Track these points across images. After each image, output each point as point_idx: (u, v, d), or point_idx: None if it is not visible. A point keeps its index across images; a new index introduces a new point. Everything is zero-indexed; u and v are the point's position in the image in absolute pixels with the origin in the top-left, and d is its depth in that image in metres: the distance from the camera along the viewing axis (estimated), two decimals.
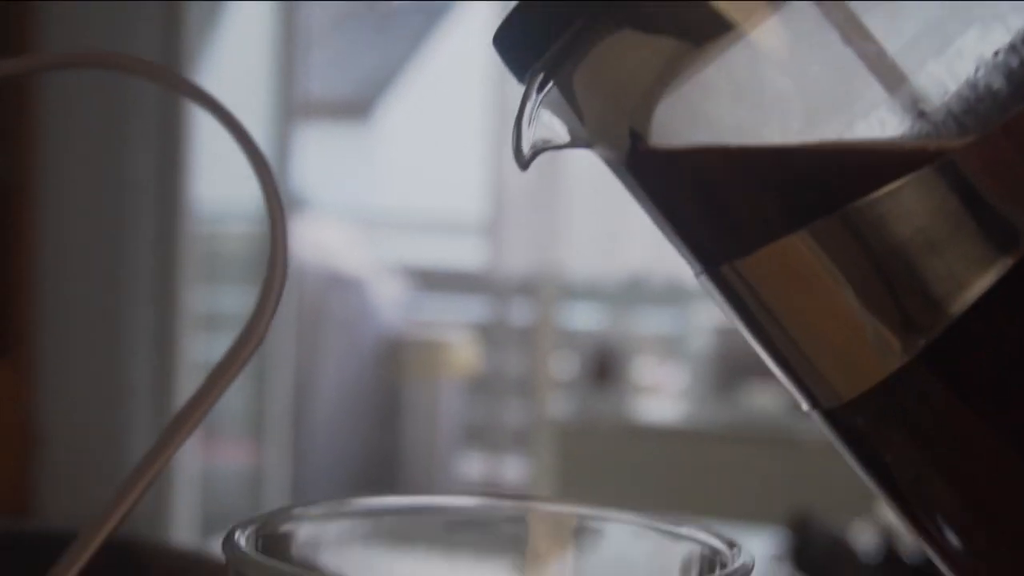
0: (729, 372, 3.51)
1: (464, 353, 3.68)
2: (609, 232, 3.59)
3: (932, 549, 0.35)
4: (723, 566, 0.32)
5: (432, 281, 3.95)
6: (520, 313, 3.60)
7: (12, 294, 2.47)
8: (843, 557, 1.86)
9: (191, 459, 2.66)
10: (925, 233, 0.32)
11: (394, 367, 3.62)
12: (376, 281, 3.63)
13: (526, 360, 3.59)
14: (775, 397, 3.42)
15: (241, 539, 0.31)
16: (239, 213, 2.93)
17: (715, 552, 0.33)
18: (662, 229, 0.36)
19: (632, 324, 3.78)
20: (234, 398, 3.07)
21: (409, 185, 4.33)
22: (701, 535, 0.34)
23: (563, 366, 3.65)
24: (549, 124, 0.35)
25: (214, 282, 2.82)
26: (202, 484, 2.70)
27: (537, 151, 0.35)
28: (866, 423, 0.34)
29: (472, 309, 3.82)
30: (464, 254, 3.88)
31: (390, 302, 3.66)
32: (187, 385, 2.66)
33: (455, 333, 3.76)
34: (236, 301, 2.99)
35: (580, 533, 0.36)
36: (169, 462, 0.40)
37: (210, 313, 2.89)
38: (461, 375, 3.69)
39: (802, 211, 0.32)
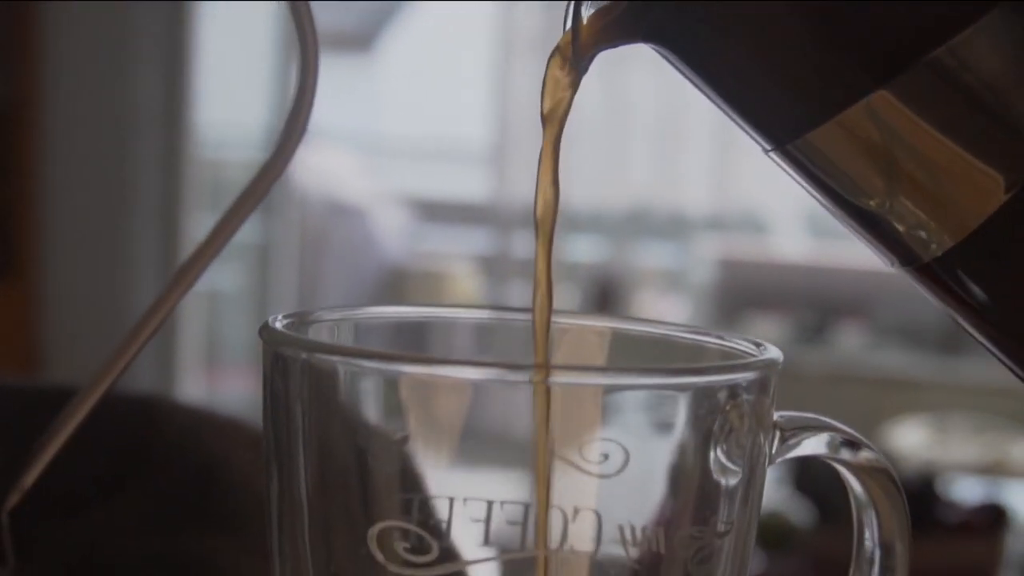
0: (731, 304, 3.51)
1: (466, 284, 3.68)
2: (612, 164, 3.59)
3: None
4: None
5: (435, 212, 3.95)
6: (523, 245, 3.61)
7: (16, 216, 2.47)
8: (841, 480, 1.87)
9: (195, 386, 2.67)
10: (1012, 69, 0.32)
11: (396, 297, 3.63)
12: (379, 211, 3.63)
13: (528, 292, 3.59)
14: (777, 328, 3.43)
15: (277, 324, 0.32)
16: (244, 140, 2.92)
17: (743, 351, 0.34)
18: (732, 106, 0.35)
19: (634, 256, 3.78)
20: (236, 327, 3.08)
21: (413, 115, 4.32)
22: (731, 340, 0.35)
23: (565, 298, 3.66)
24: None
25: (218, 210, 2.81)
26: None
27: (595, 52, 0.35)
28: (971, 267, 0.34)
29: (475, 240, 3.82)
30: (467, 185, 3.88)
31: (393, 232, 3.66)
32: (189, 310, 2.67)
33: (457, 264, 3.77)
34: (239, 230, 2.98)
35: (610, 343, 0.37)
36: (174, 309, 0.40)
37: None
38: None
39: (877, 69, 0.32)
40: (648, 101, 3.58)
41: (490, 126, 3.51)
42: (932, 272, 0.34)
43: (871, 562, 0.36)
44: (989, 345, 0.35)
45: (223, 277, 3.06)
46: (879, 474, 0.35)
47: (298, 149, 0.41)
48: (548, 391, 0.31)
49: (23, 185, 2.47)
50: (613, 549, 0.33)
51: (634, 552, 0.33)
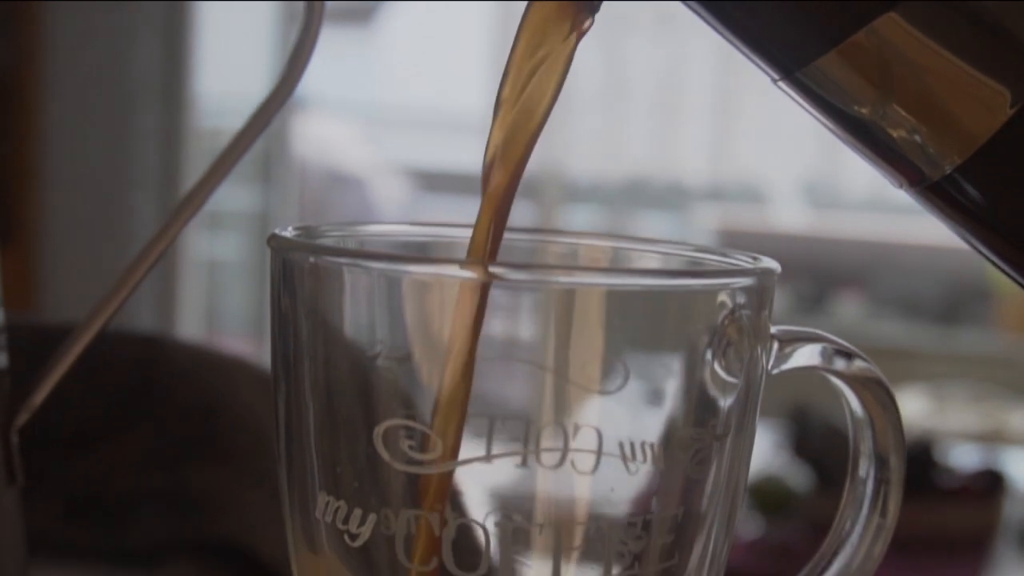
0: None
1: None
2: (610, 134, 3.59)
3: None
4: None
5: (434, 182, 3.95)
6: (521, 214, 3.61)
7: (17, 186, 2.48)
8: (839, 445, 1.88)
9: None
10: None
11: None
12: (378, 180, 3.63)
13: None
14: (775, 298, 3.43)
15: (284, 233, 0.32)
16: (244, 110, 2.92)
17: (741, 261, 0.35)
18: (740, 37, 0.35)
19: (633, 227, 3.78)
20: (236, 297, 3.08)
21: (413, 86, 4.32)
22: (731, 256, 0.35)
23: None
24: None
25: None
26: None
27: None
28: (980, 183, 0.34)
29: (473, 210, 3.81)
30: (466, 155, 3.87)
31: (392, 202, 3.66)
32: (189, 281, 2.67)
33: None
34: (239, 199, 2.99)
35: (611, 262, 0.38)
36: (174, 240, 0.41)
37: (212, 210, 2.89)
38: None
39: None
40: (647, 71, 3.58)
41: (490, 97, 3.50)
42: (942, 191, 0.35)
43: (866, 477, 0.36)
44: (1001, 264, 0.36)
45: (222, 247, 3.06)
46: (873, 385, 0.35)
47: (303, 78, 0.41)
48: (485, 288, 0.32)
49: (24, 155, 2.47)
50: (613, 464, 0.33)
51: (634, 467, 0.33)
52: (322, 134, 3.43)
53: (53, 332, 0.51)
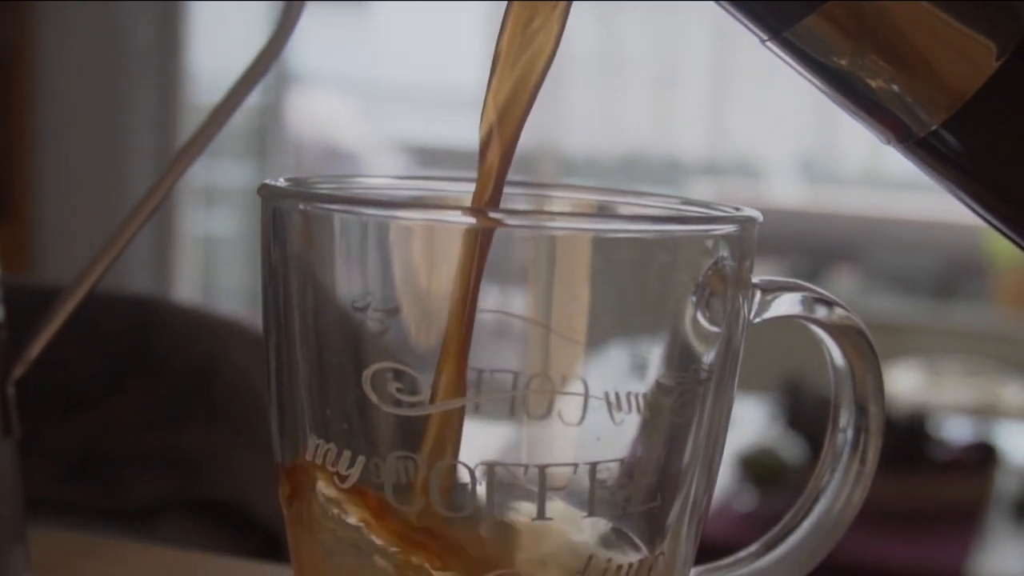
0: None
1: None
2: (606, 109, 3.59)
3: None
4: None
5: (431, 157, 3.95)
6: None
7: (12, 162, 2.48)
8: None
9: None
10: None
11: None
12: (374, 156, 3.63)
13: None
14: (770, 274, 3.44)
15: (276, 183, 0.33)
16: None
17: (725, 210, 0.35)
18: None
19: None
20: (232, 272, 3.08)
21: (410, 62, 4.32)
22: (715, 207, 0.36)
23: None
24: None
25: (212, 155, 2.82)
26: None
27: None
28: (966, 137, 0.35)
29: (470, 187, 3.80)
30: (464, 131, 3.87)
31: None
32: (183, 255, 2.67)
33: None
34: (234, 174, 2.99)
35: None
36: (172, 188, 0.41)
37: (208, 186, 2.89)
38: None
39: None
40: (643, 47, 3.57)
41: (487, 72, 3.51)
42: (929, 146, 0.35)
43: (846, 426, 0.37)
44: (991, 218, 0.36)
45: (218, 222, 3.06)
46: (853, 333, 0.36)
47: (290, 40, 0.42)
48: (488, 234, 0.32)
49: (19, 130, 2.47)
50: (599, 414, 0.34)
51: (619, 417, 0.34)
52: (318, 110, 3.43)
53: (49, 293, 0.51)
